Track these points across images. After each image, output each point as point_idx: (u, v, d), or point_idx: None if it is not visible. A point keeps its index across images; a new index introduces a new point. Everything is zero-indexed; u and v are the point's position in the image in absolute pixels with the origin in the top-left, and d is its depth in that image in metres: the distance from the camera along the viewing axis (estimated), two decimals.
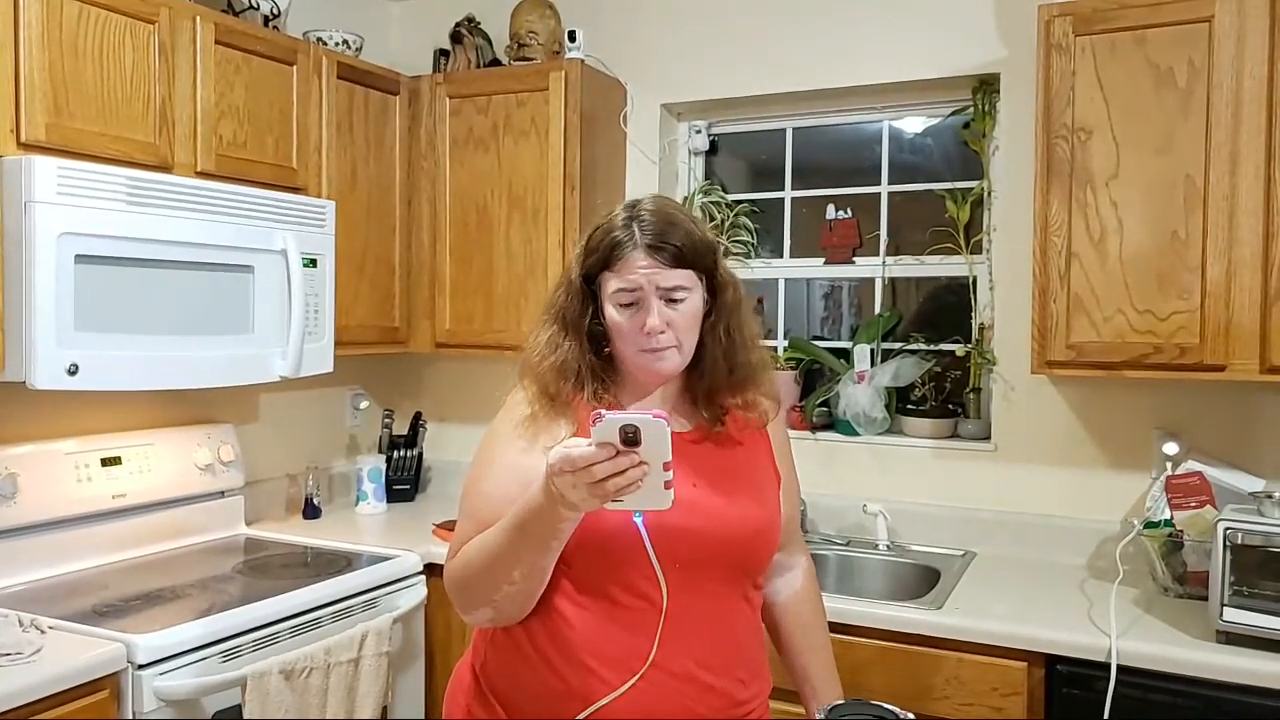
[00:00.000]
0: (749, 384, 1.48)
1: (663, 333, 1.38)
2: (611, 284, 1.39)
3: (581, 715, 1.36)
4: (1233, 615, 1.91)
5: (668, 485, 1.18)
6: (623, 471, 1.16)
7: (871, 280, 2.96)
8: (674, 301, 1.38)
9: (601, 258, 1.40)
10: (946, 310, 2.88)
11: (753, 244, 3.08)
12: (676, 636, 1.38)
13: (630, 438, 1.15)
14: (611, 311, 1.40)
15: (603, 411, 1.16)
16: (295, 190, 2.60)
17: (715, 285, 1.44)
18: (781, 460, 1.56)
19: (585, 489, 1.17)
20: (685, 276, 1.39)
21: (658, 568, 1.37)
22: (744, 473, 1.48)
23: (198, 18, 2.34)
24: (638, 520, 1.35)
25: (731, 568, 1.44)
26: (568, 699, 1.37)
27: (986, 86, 2.70)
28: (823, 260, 3.00)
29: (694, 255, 1.39)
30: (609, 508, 1.21)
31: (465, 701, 1.51)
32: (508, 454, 1.42)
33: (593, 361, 1.44)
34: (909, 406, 2.84)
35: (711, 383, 1.46)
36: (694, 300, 1.40)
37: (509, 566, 1.32)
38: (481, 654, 1.50)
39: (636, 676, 1.35)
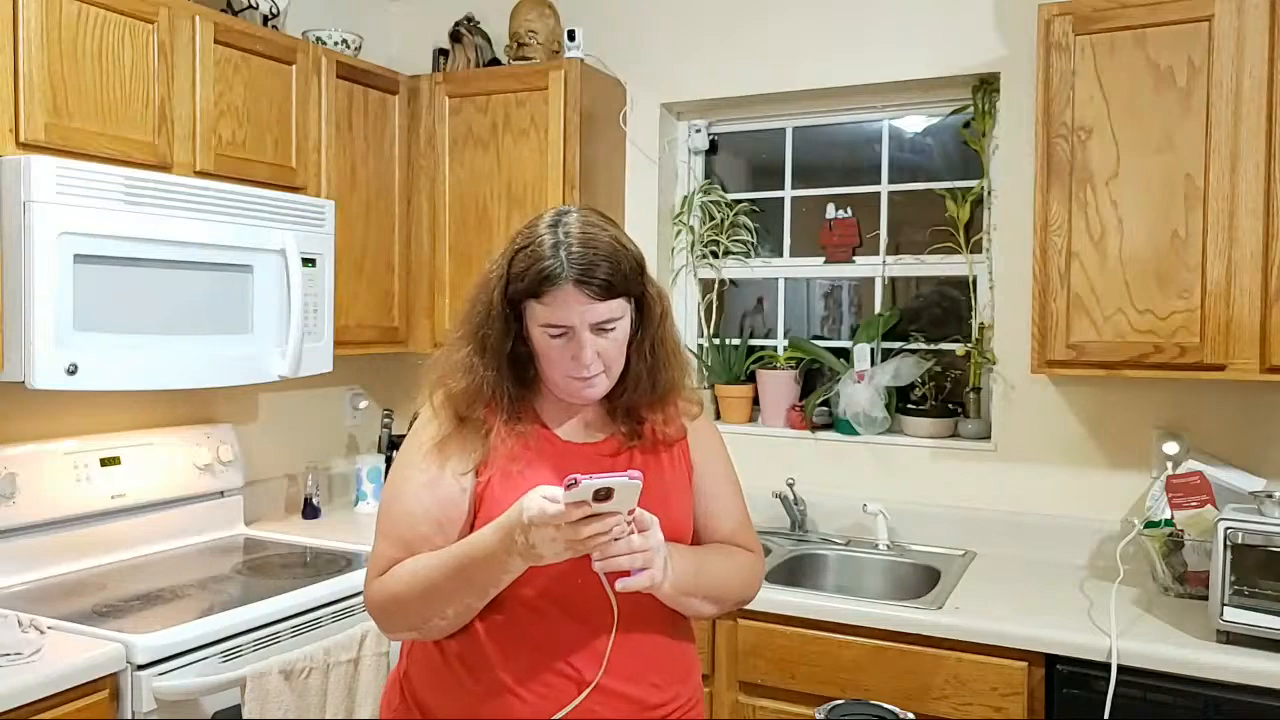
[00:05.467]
0: (670, 397, 1.48)
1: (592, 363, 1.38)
2: (540, 315, 1.36)
3: None
4: (1233, 615, 1.91)
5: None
6: (602, 526, 1.20)
7: (871, 279, 2.96)
8: (604, 331, 1.37)
9: (529, 288, 1.35)
10: (947, 310, 2.88)
11: (752, 243, 3.08)
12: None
13: (603, 496, 1.18)
14: (540, 339, 1.38)
15: (578, 476, 1.17)
16: (294, 190, 2.60)
17: (643, 302, 1.43)
18: (709, 461, 1.55)
19: (563, 543, 1.20)
20: (616, 306, 1.37)
21: (611, 594, 1.36)
22: (656, 484, 1.46)
23: (197, 17, 2.33)
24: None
25: None
26: (486, 713, 1.38)
27: (986, 86, 2.70)
28: (823, 259, 3.00)
29: (623, 283, 1.36)
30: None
31: (389, 711, 1.53)
32: (426, 473, 1.41)
33: (510, 389, 1.42)
34: (909, 406, 2.83)
35: (633, 399, 1.46)
36: (624, 326, 1.40)
37: (444, 604, 1.34)
38: (403, 665, 1.52)
39: (580, 698, 1.35)
